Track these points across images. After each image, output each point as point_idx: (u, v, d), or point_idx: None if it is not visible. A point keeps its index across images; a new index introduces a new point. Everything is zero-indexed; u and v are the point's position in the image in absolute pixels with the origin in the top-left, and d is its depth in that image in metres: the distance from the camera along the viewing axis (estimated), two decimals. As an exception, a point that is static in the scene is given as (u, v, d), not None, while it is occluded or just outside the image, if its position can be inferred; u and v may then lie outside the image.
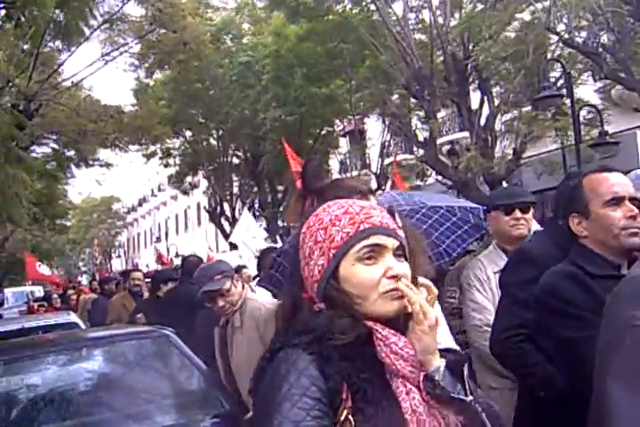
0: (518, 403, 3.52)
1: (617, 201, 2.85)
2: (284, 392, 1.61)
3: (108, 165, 28.08)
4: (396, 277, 1.72)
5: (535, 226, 4.59)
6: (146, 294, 9.93)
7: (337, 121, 30.12)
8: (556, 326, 2.82)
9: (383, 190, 20.89)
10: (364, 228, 1.75)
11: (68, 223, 43.45)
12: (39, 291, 32.94)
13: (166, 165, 34.57)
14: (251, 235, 12.52)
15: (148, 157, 32.91)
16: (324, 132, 30.07)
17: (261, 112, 26.65)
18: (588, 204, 2.90)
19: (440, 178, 19.67)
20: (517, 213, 4.34)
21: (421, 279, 1.81)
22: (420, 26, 20.45)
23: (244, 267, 10.20)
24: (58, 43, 18.90)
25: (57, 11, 14.82)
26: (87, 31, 18.45)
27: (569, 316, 2.75)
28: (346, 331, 1.69)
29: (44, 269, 19.81)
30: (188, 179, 35.80)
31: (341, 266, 1.74)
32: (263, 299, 4.80)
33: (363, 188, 2.90)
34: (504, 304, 3.54)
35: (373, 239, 1.74)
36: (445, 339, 2.88)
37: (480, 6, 18.16)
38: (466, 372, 1.74)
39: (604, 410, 1.67)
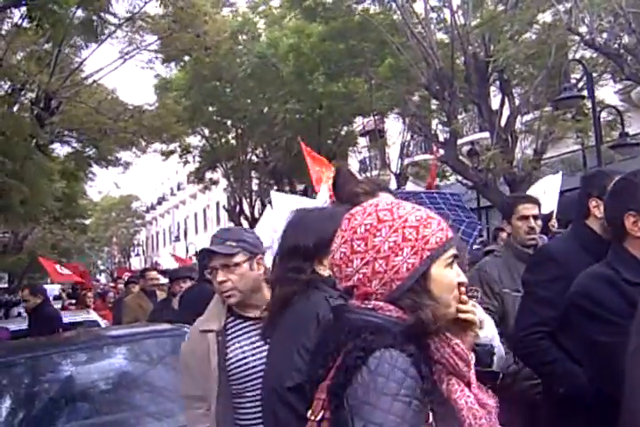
0: (543, 404, 3.49)
1: None
2: (393, 394, 1.56)
3: (127, 164, 28.15)
4: (462, 284, 1.85)
5: None
6: (159, 293, 9.90)
7: (356, 120, 30.01)
8: (587, 329, 2.78)
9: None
10: (450, 236, 1.84)
11: (88, 222, 43.59)
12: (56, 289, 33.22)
13: (186, 162, 34.55)
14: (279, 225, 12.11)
15: (167, 154, 32.92)
16: (343, 132, 30.01)
17: (280, 110, 26.54)
18: None
19: (460, 178, 19.60)
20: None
21: None
22: (441, 26, 20.37)
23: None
24: (78, 41, 19.06)
25: (78, 9, 14.96)
26: (107, 30, 18.64)
27: (600, 319, 2.71)
28: (432, 331, 1.74)
29: (64, 270, 19.73)
30: (208, 175, 35.70)
31: (433, 268, 1.78)
32: None
33: (368, 189, 3.10)
34: (525, 302, 3.56)
35: (454, 249, 1.84)
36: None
37: (501, 7, 18.08)
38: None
39: None
